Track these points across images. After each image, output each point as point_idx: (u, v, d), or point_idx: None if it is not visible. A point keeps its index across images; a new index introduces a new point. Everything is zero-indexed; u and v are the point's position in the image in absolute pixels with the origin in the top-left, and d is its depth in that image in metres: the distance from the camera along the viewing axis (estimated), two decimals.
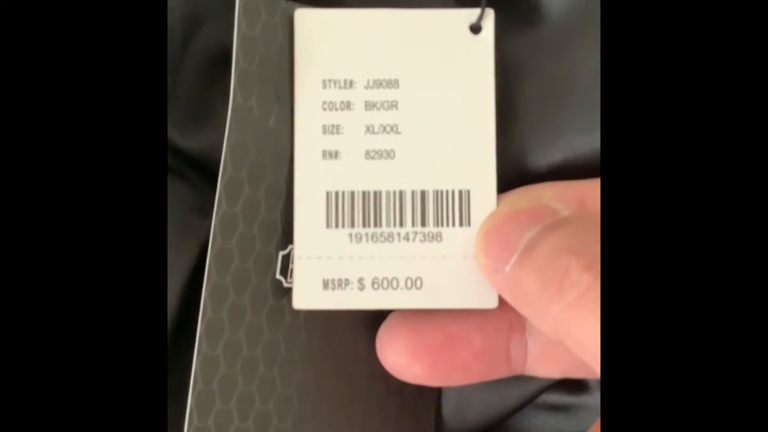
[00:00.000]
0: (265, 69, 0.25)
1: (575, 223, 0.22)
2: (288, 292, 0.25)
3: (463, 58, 0.25)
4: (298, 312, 0.25)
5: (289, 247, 0.25)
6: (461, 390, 0.28)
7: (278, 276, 0.25)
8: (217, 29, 0.26)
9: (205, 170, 0.27)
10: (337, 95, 0.25)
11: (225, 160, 0.24)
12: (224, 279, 0.24)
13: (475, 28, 0.25)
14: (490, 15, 0.25)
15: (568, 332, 0.21)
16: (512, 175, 0.25)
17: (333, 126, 0.25)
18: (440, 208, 0.25)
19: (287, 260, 0.25)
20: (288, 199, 0.25)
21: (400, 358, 0.25)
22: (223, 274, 0.24)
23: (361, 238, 0.25)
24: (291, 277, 0.25)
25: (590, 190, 0.24)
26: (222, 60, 0.26)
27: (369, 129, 0.25)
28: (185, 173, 0.27)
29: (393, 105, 0.25)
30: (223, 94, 0.25)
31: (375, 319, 0.26)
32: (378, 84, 0.25)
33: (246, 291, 0.24)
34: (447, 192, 0.25)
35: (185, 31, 0.26)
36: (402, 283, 0.25)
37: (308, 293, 0.25)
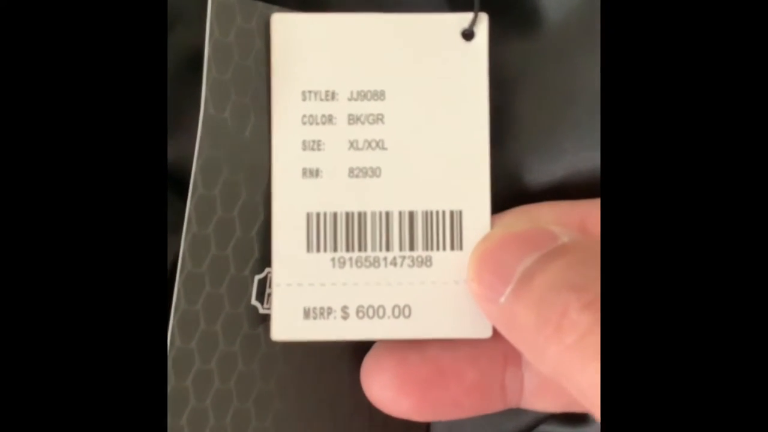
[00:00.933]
0: (241, 78, 0.23)
1: (575, 252, 0.21)
2: (264, 318, 0.23)
3: (455, 67, 0.23)
4: (275, 341, 0.23)
5: (266, 270, 0.23)
6: (452, 421, 0.27)
7: (254, 302, 0.23)
8: (190, 31, 0.24)
9: (173, 182, 0.25)
10: (318, 108, 0.23)
11: (195, 177, 0.22)
12: (194, 306, 0.22)
13: (468, 34, 0.23)
14: (483, 20, 0.23)
15: (567, 376, 0.19)
16: (508, 193, 0.23)
17: (314, 141, 0.23)
18: (430, 231, 0.23)
19: (264, 284, 0.23)
20: (265, 219, 0.23)
21: (387, 391, 0.23)
22: (193, 300, 0.22)
23: (344, 263, 0.23)
24: (268, 302, 0.23)
25: (592, 212, 0.22)
26: (195, 64, 0.24)
27: (353, 145, 0.23)
28: None
29: (378, 118, 0.23)
30: (195, 101, 0.23)
31: (359, 347, 0.24)
32: (362, 95, 0.23)
33: (218, 319, 0.23)
34: (437, 213, 0.23)
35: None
36: (389, 312, 0.23)
37: (288, 323, 0.23)
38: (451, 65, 0.23)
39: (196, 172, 0.22)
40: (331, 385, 0.25)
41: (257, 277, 0.23)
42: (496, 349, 0.23)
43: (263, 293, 0.23)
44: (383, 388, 0.23)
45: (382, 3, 0.24)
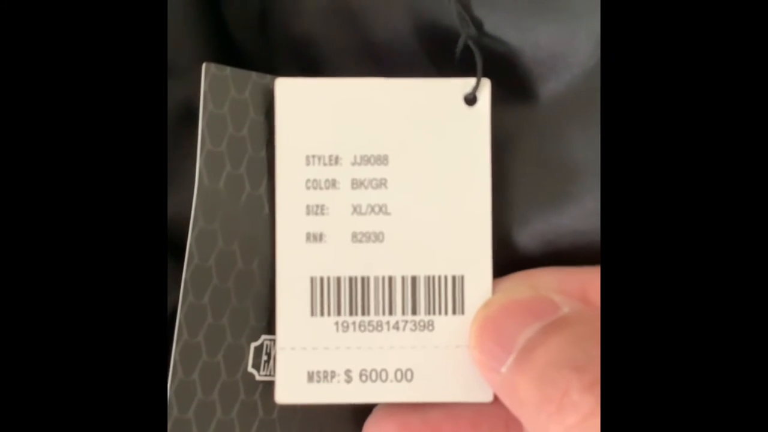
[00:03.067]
0: (235, 149, 0.23)
1: (577, 325, 0.21)
2: (260, 385, 0.24)
3: (457, 132, 0.23)
4: (273, 407, 0.24)
5: (262, 337, 0.24)
6: None
7: (250, 369, 0.23)
8: (183, 85, 0.25)
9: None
10: (321, 172, 0.23)
11: (191, 248, 0.22)
12: (191, 375, 0.22)
13: (470, 99, 0.24)
14: (486, 85, 0.24)
15: None
16: (505, 259, 0.23)
17: (317, 206, 0.23)
18: (432, 295, 0.23)
19: (260, 351, 0.23)
20: (260, 287, 0.23)
21: None
22: (189, 370, 0.22)
23: (347, 327, 0.23)
24: (265, 369, 0.23)
25: (593, 280, 0.22)
26: (187, 118, 0.24)
27: (356, 209, 0.23)
28: None
29: (382, 183, 0.23)
30: (187, 157, 0.23)
31: (358, 412, 0.24)
32: (366, 160, 0.23)
33: (215, 387, 0.23)
34: (439, 278, 0.23)
35: None
36: (392, 375, 0.23)
37: (292, 386, 0.23)
38: (454, 130, 0.23)
39: (191, 244, 0.22)
40: None
41: (253, 345, 0.23)
42: (498, 415, 0.23)
43: (259, 360, 0.24)
44: None
45: (380, 66, 0.25)
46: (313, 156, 0.23)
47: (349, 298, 0.23)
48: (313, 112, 0.23)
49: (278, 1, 0.26)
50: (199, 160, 0.22)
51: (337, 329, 0.23)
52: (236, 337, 0.23)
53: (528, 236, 0.23)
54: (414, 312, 0.23)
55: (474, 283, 0.23)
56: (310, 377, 0.23)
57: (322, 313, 0.23)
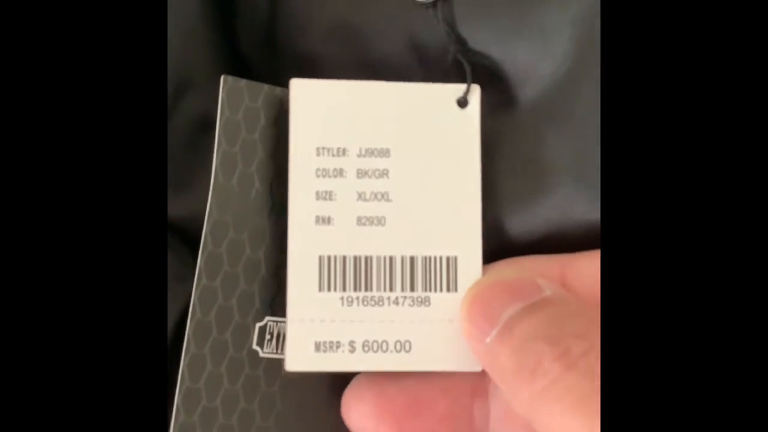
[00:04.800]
0: (247, 150, 0.26)
1: (555, 307, 0.23)
2: (263, 361, 0.26)
3: (451, 130, 0.26)
4: (274, 381, 0.26)
5: (266, 318, 0.26)
6: None
7: (255, 346, 0.26)
8: (200, 97, 0.27)
9: (185, 237, 0.27)
10: (330, 163, 0.26)
11: (205, 237, 0.25)
12: (202, 350, 0.25)
13: (462, 102, 0.26)
14: (476, 90, 0.26)
15: (536, 418, 0.22)
16: (490, 248, 0.26)
17: (326, 192, 0.26)
18: (428, 274, 0.26)
19: (264, 331, 0.26)
20: (265, 274, 0.26)
21: (366, 420, 0.26)
22: (201, 345, 0.25)
23: (352, 301, 0.26)
24: (267, 347, 0.26)
25: (571, 264, 0.25)
26: (204, 127, 0.27)
27: (361, 196, 0.26)
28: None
29: (384, 173, 0.26)
30: (204, 161, 0.26)
31: (336, 380, 0.26)
32: (370, 153, 0.26)
33: (223, 361, 0.25)
34: (435, 258, 0.26)
35: (170, 99, 0.27)
36: (391, 346, 0.26)
37: (301, 355, 0.25)
38: (448, 128, 0.26)
39: (206, 233, 0.25)
40: (325, 423, 0.27)
41: (258, 325, 0.26)
42: (465, 381, 0.26)
43: (263, 339, 0.26)
44: (362, 417, 0.26)
45: (378, 79, 0.27)
46: (323, 148, 0.26)
47: (354, 275, 0.26)
48: (324, 110, 0.26)
49: (285, 21, 0.28)
50: (215, 160, 0.25)
51: (343, 303, 0.25)
52: (243, 317, 0.25)
53: (513, 225, 0.26)
54: (412, 289, 0.26)
55: (466, 264, 0.26)
56: (317, 347, 0.25)
57: (329, 289, 0.26)
